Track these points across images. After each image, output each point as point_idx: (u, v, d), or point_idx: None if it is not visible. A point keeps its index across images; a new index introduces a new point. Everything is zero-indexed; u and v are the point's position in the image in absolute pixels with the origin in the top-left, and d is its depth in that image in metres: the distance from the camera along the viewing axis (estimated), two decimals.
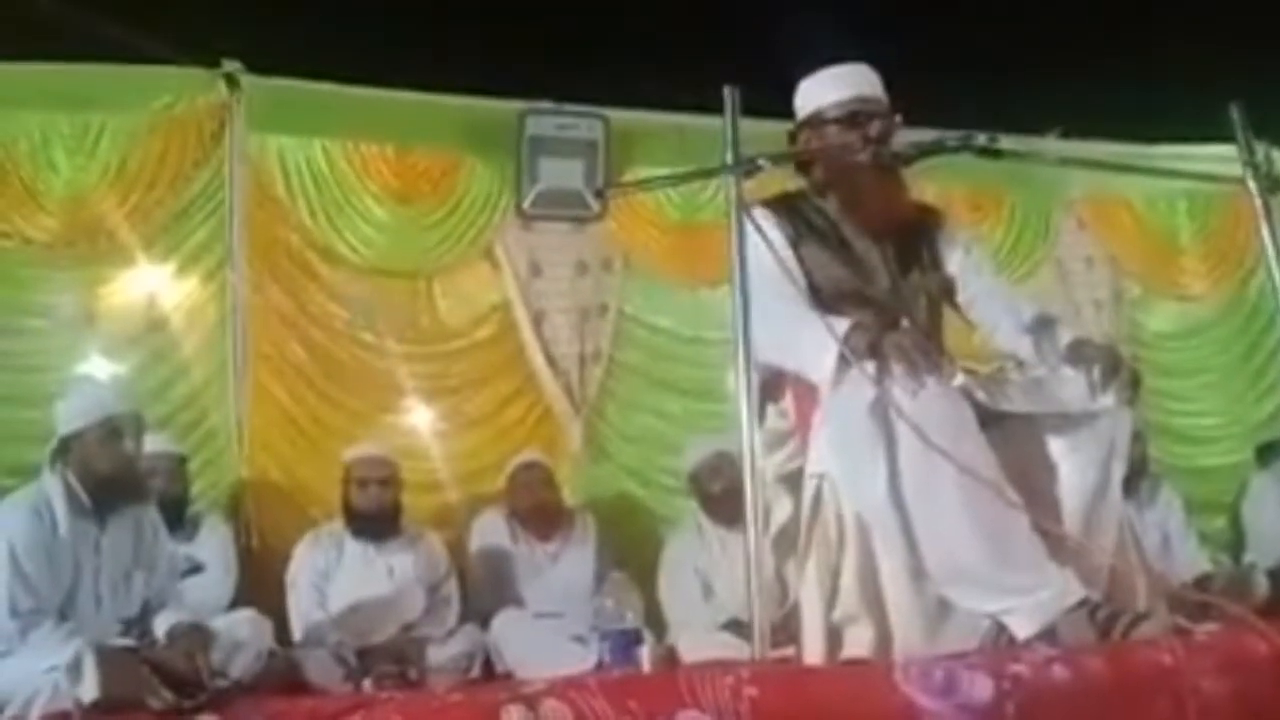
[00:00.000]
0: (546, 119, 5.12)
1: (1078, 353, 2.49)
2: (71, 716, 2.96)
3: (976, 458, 2.22)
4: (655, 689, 1.33)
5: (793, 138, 2.73)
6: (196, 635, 3.37)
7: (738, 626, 4.12)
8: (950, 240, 2.80)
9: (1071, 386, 2.43)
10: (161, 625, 3.41)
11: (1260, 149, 2.47)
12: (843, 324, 2.37)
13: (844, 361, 2.32)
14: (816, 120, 2.66)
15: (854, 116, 2.60)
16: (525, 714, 1.21)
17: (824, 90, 2.66)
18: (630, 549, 4.99)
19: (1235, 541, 5.62)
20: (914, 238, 2.72)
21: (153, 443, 4.14)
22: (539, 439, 5.25)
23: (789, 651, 2.47)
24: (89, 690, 2.96)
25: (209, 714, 2.85)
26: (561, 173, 5.12)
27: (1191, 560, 5.02)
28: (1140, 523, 4.52)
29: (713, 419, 5.09)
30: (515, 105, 5.11)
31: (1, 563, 3.20)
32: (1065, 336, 2.59)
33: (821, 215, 2.67)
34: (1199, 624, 2.16)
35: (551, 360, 5.36)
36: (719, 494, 4.58)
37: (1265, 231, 2.38)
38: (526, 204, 5.22)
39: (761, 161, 2.26)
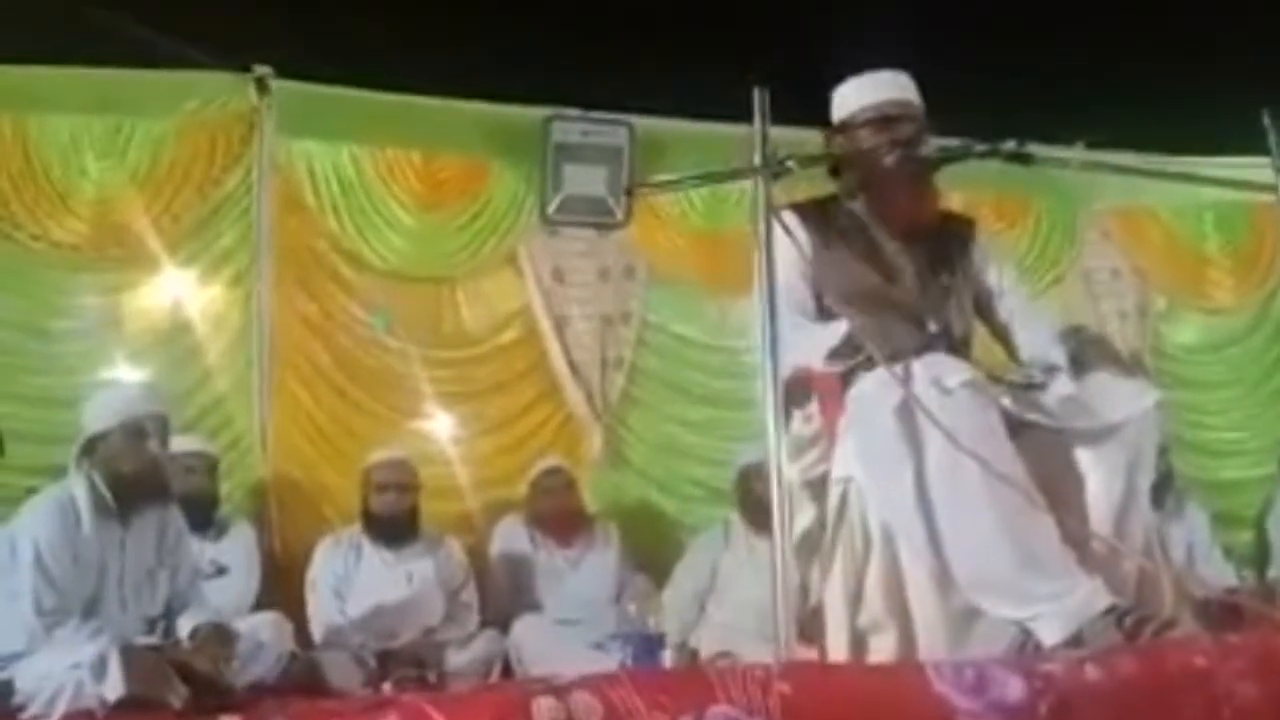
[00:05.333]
0: (572, 125, 5.06)
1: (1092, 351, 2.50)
2: (95, 715, 2.97)
3: (1004, 462, 2.22)
4: (686, 683, 1.33)
5: (828, 143, 2.73)
6: (220, 636, 3.39)
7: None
8: (984, 252, 2.80)
9: (1099, 397, 2.42)
10: (185, 625, 3.43)
11: None
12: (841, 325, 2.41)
13: (866, 362, 2.33)
14: (849, 124, 2.66)
15: (885, 120, 2.60)
16: (555, 705, 1.21)
17: (858, 94, 2.67)
18: (650, 556, 4.99)
19: (1260, 556, 5.58)
20: (945, 244, 2.72)
21: (188, 442, 4.20)
22: (560, 445, 5.25)
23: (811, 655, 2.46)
24: (113, 689, 2.97)
25: (231, 714, 2.85)
26: (586, 179, 5.07)
27: (1217, 574, 4.98)
28: (1165, 535, 4.49)
29: (735, 427, 5.08)
30: (540, 111, 5.10)
31: (27, 561, 3.22)
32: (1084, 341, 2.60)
33: (851, 218, 2.68)
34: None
35: (573, 366, 5.36)
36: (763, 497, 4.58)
37: None
38: (550, 210, 5.17)
39: (790, 163, 2.26)
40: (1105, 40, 4.83)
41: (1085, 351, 2.55)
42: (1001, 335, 2.80)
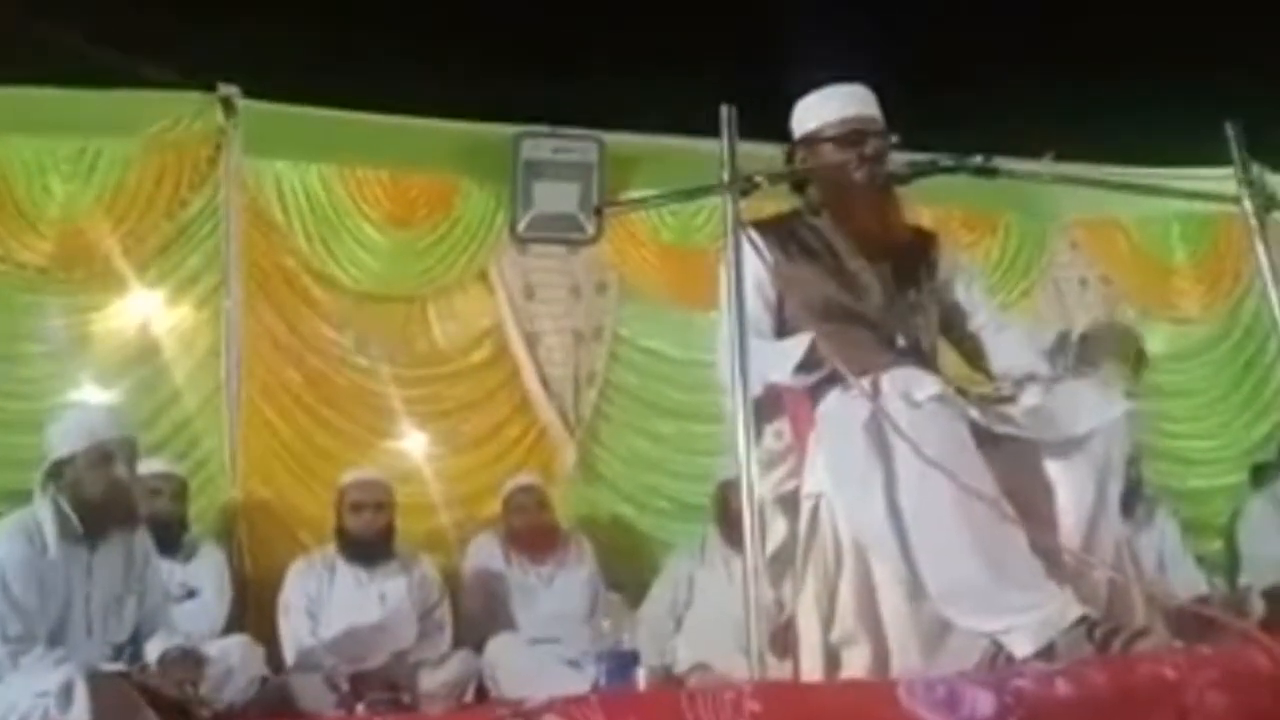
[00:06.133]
0: (541, 142, 5.14)
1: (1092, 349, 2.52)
2: None
3: (974, 474, 2.22)
4: (656, 705, 1.32)
5: (789, 157, 2.73)
6: (189, 661, 3.35)
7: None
8: (950, 266, 2.81)
9: (1068, 408, 2.42)
10: (153, 650, 3.39)
11: (1254, 170, 2.47)
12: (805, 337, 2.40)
13: (834, 378, 2.33)
14: (813, 139, 2.66)
15: (851, 135, 2.60)
16: None
17: (821, 109, 2.67)
18: (624, 572, 4.97)
19: (1230, 564, 5.60)
20: (911, 258, 2.72)
21: (157, 464, 4.17)
22: (533, 462, 5.24)
23: (784, 672, 2.45)
24: (80, 716, 2.93)
25: None
26: (556, 196, 5.13)
27: (1188, 582, 5.00)
28: (1136, 544, 4.50)
29: (707, 441, 5.08)
30: (510, 129, 5.13)
31: None
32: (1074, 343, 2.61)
33: (815, 234, 2.68)
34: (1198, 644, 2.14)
35: (546, 383, 5.36)
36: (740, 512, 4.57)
37: (1260, 251, 2.36)
38: (521, 227, 5.23)
39: (758, 179, 2.26)
40: (1070, 54, 4.87)
41: (1088, 349, 2.56)
42: (969, 348, 2.80)
